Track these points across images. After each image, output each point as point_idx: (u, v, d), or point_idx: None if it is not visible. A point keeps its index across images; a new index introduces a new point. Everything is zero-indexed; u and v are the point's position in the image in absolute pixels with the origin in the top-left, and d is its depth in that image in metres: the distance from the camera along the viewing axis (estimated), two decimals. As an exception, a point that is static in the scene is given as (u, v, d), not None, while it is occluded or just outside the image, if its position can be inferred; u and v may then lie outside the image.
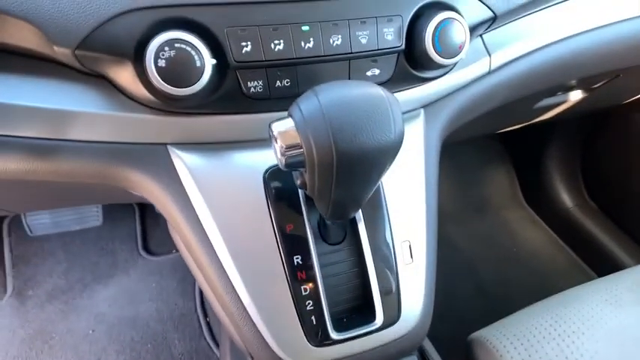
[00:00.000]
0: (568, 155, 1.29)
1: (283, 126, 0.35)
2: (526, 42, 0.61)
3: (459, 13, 0.48)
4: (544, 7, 0.60)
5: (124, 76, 0.42)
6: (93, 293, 1.16)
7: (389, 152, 0.34)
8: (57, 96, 0.44)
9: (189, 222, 0.46)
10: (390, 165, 0.36)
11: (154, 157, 0.47)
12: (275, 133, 0.35)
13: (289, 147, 0.35)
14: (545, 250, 1.30)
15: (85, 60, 0.41)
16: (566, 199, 1.29)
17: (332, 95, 0.34)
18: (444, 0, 0.47)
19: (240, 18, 0.41)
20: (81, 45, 0.39)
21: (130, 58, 0.40)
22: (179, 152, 0.47)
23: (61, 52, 0.40)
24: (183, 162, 0.46)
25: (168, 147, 0.47)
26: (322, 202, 0.39)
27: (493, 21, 0.53)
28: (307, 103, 0.34)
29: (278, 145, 0.35)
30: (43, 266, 1.17)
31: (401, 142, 0.34)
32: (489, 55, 0.58)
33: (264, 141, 0.47)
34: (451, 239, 1.26)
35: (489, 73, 0.59)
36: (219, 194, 0.46)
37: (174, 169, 0.46)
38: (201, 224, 0.46)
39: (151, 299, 1.15)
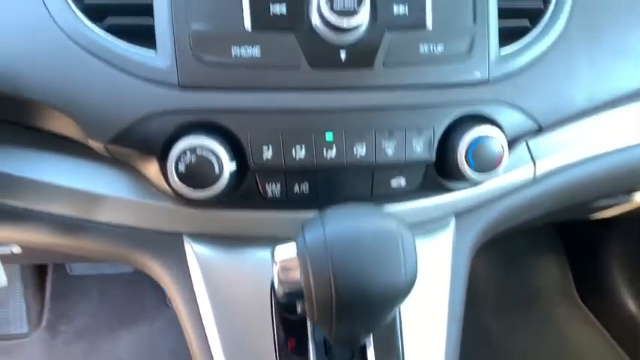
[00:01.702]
0: (633, 253, 1.16)
1: (285, 252, 0.33)
2: (577, 150, 0.56)
3: (499, 126, 0.45)
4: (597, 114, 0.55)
5: (150, 170, 0.43)
6: (117, 338, 1.17)
7: (397, 295, 0.31)
8: (87, 178, 0.46)
9: (191, 317, 0.45)
10: (400, 304, 0.33)
11: (168, 246, 0.47)
12: (276, 259, 0.33)
13: (288, 278, 0.33)
14: (600, 357, 1.15)
15: (115, 153, 0.43)
16: (630, 303, 1.14)
17: (339, 226, 0.32)
18: (483, 112, 0.45)
19: (264, 123, 0.41)
20: (113, 140, 0.41)
21: (157, 156, 0.41)
22: (193, 244, 0.46)
23: (94, 145, 0.42)
24: (195, 254, 0.46)
25: (184, 237, 0.47)
26: (324, 330, 0.36)
27: (539, 131, 0.49)
28: (312, 232, 0.32)
29: (276, 272, 0.33)
30: (77, 305, 1.21)
31: (412, 284, 0.31)
32: (534, 162, 0.54)
33: (278, 239, 0.46)
34: (489, 334, 1.15)
35: (534, 181, 0.55)
36: (225, 294, 0.45)
37: (186, 260, 0.46)
38: (201, 321, 0.45)
39: (170, 353, 1.14)
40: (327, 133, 0.42)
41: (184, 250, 0.46)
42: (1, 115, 0.43)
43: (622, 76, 0.51)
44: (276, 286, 0.34)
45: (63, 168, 0.46)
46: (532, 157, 0.54)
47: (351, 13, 0.39)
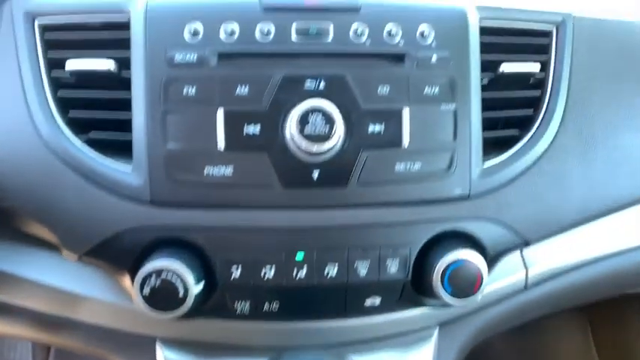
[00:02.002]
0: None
1: None
2: (573, 254, 0.53)
3: (480, 244, 0.44)
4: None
5: (124, 280, 0.43)
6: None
7: None
8: (66, 276, 0.47)
9: None
10: None
11: (139, 349, 0.47)
12: None
13: None
14: None
15: (90, 263, 0.43)
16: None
17: None
18: (463, 229, 0.44)
19: (234, 242, 0.41)
20: (86, 253, 0.42)
21: (128, 271, 0.42)
22: (164, 349, 0.46)
23: (68, 255, 0.43)
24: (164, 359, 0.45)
25: (157, 341, 0.47)
26: None
27: (526, 245, 0.47)
28: None
29: None
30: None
31: None
32: (526, 269, 0.52)
33: (248, 349, 0.45)
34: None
35: (526, 288, 0.52)
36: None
37: None
38: None
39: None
40: (298, 253, 0.41)
41: (155, 355, 0.46)
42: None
43: (618, 186, 0.48)
44: None
45: (43, 265, 0.47)
46: (525, 264, 0.51)
47: (322, 138, 0.39)
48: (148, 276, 0.38)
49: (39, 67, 0.43)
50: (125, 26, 0.43)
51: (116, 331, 0.47)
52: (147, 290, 0.38)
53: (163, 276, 0.38)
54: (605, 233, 0.53)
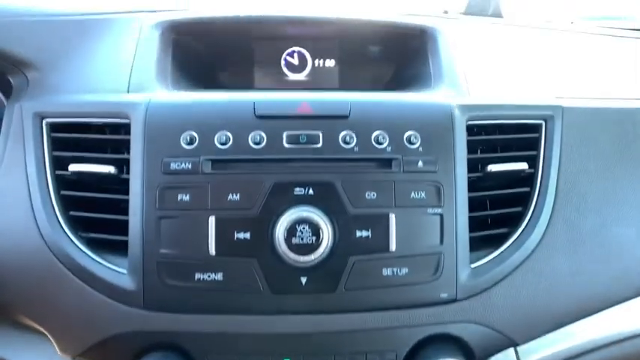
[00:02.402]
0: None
1: None
2: (571, 345, 0.52)
3: (468, 347, 0.44)
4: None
5: None
6: None
7: None
8: None
9: None
10: None
11: None
12: None
13: None
14: None
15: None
16: None
17: None
18: (449, 332, 0.44)
19: (222, 346, 0.42)
20: (80, 355, 0.43)
21: None
22: None
23: (64, 356, 0.44)
24: None
25: None
26: None
27: (516, 345, 0.47)
28: None
29: None
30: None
31: None
32: (519, 362, 0.51)
33: None
34: None
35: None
36: None
37: None
38: None
39: None
40: (284, 359, 0.42)
41: None
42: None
43: (607, 284, 0.48)
44: None
45: (38, 355, 0.48)
46: (517, 357, 0.51)
47: (309, 249, 0.40)
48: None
49: (44, 165, 0.46)
50: (126, 130, 0.45)
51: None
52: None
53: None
54: (600, 324, 0.52)
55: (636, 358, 0.54)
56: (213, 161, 0.43)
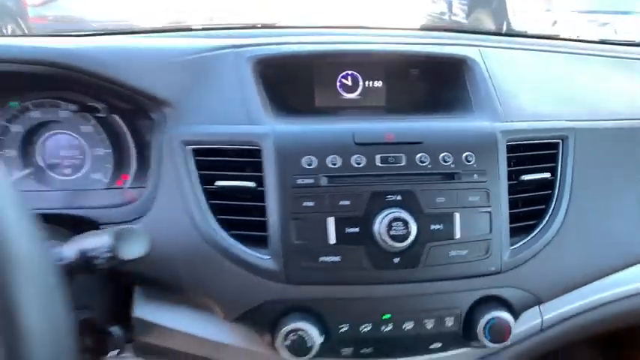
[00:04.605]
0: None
1: None
2: (583, 301, 0.70)
3: (509, 304, 0.62)
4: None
5: (262, 335, 0.62)
6: None
7: None
8: (214, 330, 0.65)
9: None
10: None
11: None
12: None
13: None
14: None
15: (238, 324, 0.62)
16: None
17: None
18: (497, 294, 0.62)
19: (342, 308, 0.60)
20: (237, 319, 0.60)
21: (268, 329, 0.60)
22: None
23: (224, 318, 0.61)
24: None
25: None
26: None
27: (542, 303, 0.65)
28: None
29: None
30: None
31: None
32: (542, 318, 0.69)
33: None
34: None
35: (542, 331, 0.70)
36: None
37: None
38: None
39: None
40: (385, 315, 0.59)
41: None
42: (162, 289, 0.64)
43: (610, 259, 0.67)
44: None
45: (196, 321, 0.65)
46: (541, 314, 0.69)
47: (402, 238, 0.57)
48: (288, 333, 0.57)
49: (192, 182, 0.62)
50: (257, 154, 0.61)
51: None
52: (288, 342, 0.57)
53: (298, 333, 0.56)
54: (606, 285, 0.70)
55: (635, 312, 0.73)
56: (329, 177, 0.59)
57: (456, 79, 0.77)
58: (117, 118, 0.78)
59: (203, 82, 0.71)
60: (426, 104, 0.84)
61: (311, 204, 0.59)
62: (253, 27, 1.10)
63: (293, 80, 0.79)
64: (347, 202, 0.59)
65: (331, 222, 0.59)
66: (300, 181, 0.60)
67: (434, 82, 0.83)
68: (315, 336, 0.57)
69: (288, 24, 1.12)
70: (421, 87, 0.86)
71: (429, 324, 0.60)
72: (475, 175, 0.61)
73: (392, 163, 0.61)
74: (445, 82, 0.80)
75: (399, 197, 0.60)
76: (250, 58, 0.73)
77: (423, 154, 0.61)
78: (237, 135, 0.63)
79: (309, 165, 0.60)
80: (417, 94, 0.87)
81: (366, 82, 0.85)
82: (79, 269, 0.46)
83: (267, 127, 0.63)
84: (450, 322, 0.61)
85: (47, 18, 5.77)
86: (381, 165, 0.60)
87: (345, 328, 0.59)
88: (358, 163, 0.60)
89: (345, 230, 0.59)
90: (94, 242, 0.46)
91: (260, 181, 0.61)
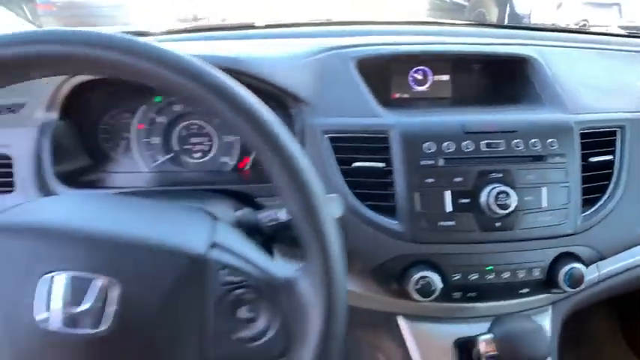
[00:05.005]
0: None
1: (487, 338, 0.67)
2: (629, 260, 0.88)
3: (582, 260, 0.78)
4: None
5: (390, 282, 0.78)
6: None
7: None
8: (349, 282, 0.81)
9: None
10: None
11: (386, 322, 0.81)
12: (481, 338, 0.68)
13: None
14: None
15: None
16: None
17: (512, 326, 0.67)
18: (573, 251, 0.78)
19: (456, 261, 0.76)
20: (371, 271, 0.76)
21: (395, 279, 0.76)
22: (405, 320, 0.81)
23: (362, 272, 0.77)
24: (409, 329, 0.80)
25: (399, 317, 0.81)
26: None
27: (604, 258, 0.82)
28: (499, 329, 0.67)
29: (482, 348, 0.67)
30: None
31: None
32: (599, 271, 0.86)
33: (462, 319, 0.80)
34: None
35: (598, 282, 0.87)
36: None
37: (401, 334, 0.80)
38: None
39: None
40: (488, 267, 0.76)
41: (396, 324, 0.81)
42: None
43: None
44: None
45: None
46: (598, 268, 0.86)
47: (504, 207, 0.73)
48: (419, 279, 0.73)
49: (332, 164, 0.77)
50: (385, 141, 0.77)
51: (370, 311, 0.81)
52: (418, 286, 0.73)
53: (426, 279, 0.73)
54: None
55: None
56: (445, 159, 0.75)
57: (518, 75, 0.92)
58: None
59: (323, 80, 0.85)
60: (488, 97, 0.99)
61: (431, 180, 0.75)
62: (321, 24, 1.24)
63: (375, 75, 0.91)
64: (460, 179, 0.75)
65: (448, 195, 0.75)
66: (422, 163, 0.75)
67: (495, 76, 0.99)
68: (437, 282, 0.74)
69: (357, 19, 1.25)
70: (483, 81, 1.02)
71: (521, 274, 0.77)
72: (557, 158, 0.77)
73: (494, 147, 0.76)
74: (507, 77, 0.96)
75: (500, 175, 0.75)
76: (354, 58, 0.87)
77: (518, 140, 0.77)
78: (368, 126, 0.78)
79: (429, 150, 0.75)
80: (480, 87, 1.02)
81: (435, 77, 1.00)
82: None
83: (392, 119, 0.78)
84: (537, 272, 0.77)
85: (54, 5, 5.76)
86: (485, 149, 0.76)
87: (457, 277, 0.76)
88: (468, 148, 0.76)
89: (458, 201, 0.75)
90: None
91: (387, 162, 0.77)
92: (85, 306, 0.42)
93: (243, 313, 0.46)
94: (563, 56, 0.95)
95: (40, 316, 0.42)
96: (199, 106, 0.43)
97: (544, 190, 0.76)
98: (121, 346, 0.44)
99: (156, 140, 0.93)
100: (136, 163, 0.94)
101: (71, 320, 0.42)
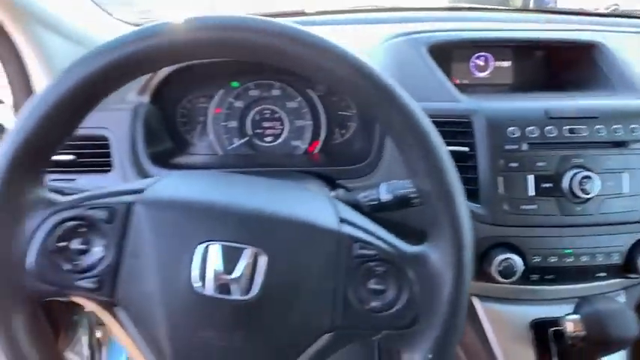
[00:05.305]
0: None
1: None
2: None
3: None
4: None
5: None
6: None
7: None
8: None
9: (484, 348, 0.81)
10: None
11: None
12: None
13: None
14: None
15: None
16: None
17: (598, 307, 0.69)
18: None
19: (536, 242, 0.77)
20: None
21: (477, 260, 0.78)
22: (481, 301, 0.83)
23: None
24: (483, 308, 0.82)
25: (473, 298, 0.83)
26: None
27: None
28: (584, 309, 0.69)
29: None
30: None
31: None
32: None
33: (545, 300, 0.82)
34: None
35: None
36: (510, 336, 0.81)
37: (477, 315, 0.82)
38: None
39: None
40: (567, 250, 0.77)
41: (474, 306, 0.83)
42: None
43: None
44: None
45: None
46: None
47: (587, 192, 0.74)
48: (502, 261, 0.75)
49: None
50: (468, 125, 0.78)
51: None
52: (500, 268, 0.75)
53: (507, 261, 0.74)
54: None
55: None
56: (529, 144, 0.76)
57: (584, 61, 0.92)
58: (315, 97, 0.94)
59: (399, 66, 0.86)
60: (549, 82, 0.99)
61: (515, 164, 0.76)
62: (377, 9, 1.25)
63: (437, 61, 0.92)
64: (543, 164, 0.76)
65: (531, 179, 0.76)
66: (507, 147, 0.76)
67: (557, 62, 0.99)
68: (518, 264, 0.75)
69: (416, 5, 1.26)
70: (545, 67, 1.02)
71: (600, 258, 0.78)
72: (639, 144, 0.78)
73: (577, 133, 0.77)
74: (570, 63, 0.96)
75: (582, 160, 0.76)
76: (426, 44, 0.89)
77: (601, 126, 0.77)
78: (451, 110, 0.80)
79: (514, 134, 0.77)
80: (541, 73, 1.03)
81: (497, 63, 1.01)
82: (393, 206, 0.63)
83: (473, 104, 0.79)
84: (615, 257, 0.79)
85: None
86: (568, 135, 0.77)
87: (537, 259, 0.78)
88: (551, 133, 0.77)
89: (540, 185, 0.76)
90: (401, 185, 0.64)
91: (470, 146, 0.78)
92: (236, 274, 0.45)
93: (373, 284, 0.49)
94: (628, 41, 0.95)
95: (195, 281, 0.45)
96: (348, 89, 0.46)
97: (625, 175, 0.77)
98: (264, 313, 0.47)
99: (233, 124, 0.96)
100: (210, 146, 0.97)
101: (224, 287, 0.45)
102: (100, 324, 1.42)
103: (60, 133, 0.46)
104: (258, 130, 0.98)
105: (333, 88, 0.47)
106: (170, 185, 0.51)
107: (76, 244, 0.47)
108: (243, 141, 0.95)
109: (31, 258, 0.46)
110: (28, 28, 0.76)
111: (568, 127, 0.78)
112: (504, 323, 0.82)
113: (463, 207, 0.48)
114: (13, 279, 0.46)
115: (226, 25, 0.42)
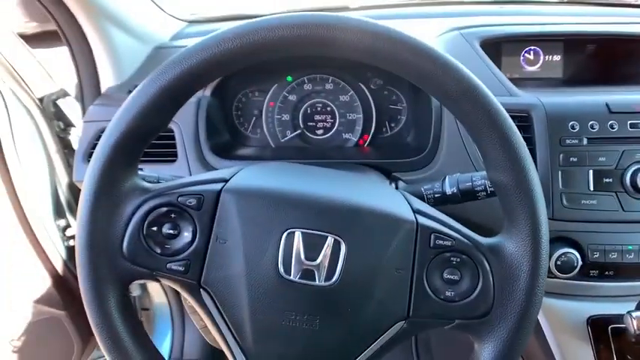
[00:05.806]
0: None
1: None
2: None
3: None
4: None
5: None
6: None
7: None
8: None
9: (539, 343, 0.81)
10: None
11: None
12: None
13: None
14: None
15: None
16: None
17: None
18: None
19: (596, 238, 0.77)
20: None
21: None
22: None
23: None
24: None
25: None
26: None
27: None
28: None
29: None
30: None
31: None
32: None
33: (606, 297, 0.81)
34: None
35: None
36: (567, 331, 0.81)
37: None
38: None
39: None
40: (629, 247, 0.76)
41: None
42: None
43: None
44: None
45: None
46: None
47: None
48: (560, 255, 0.75)
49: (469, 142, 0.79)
50: (527, 120, 0.78)
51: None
52: (559, 262, 0.75)
53: (568, 255, 0.74)
54: None
55: None
56: (589, 139, 0.75)
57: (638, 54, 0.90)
58: (367, 91, 0.95)
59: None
60: (601, 76, 0.97)
61: (575, 159, 0.76)
62: (424, 4, 1.24)
63: (489, 54, 0.91)
64: (603, 159, 0.76)
65: (591, 173, 0.75)
66: (567, 141, 0.76)
67: (610, 56, 0.97)
68: (577, 259, 0.75)
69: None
70: (597, 61, 1.00)
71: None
72: None
73: (639, 128, 0.76)
74: (623, 57, 0.94)
75: (638, 155, 0.75)
76: (479, 38, 0.88)
77: None
78: (509, 105, 0.78)
79: (574, 129, 0.76)
80: (593, 67, 1.01)
81: (547, 57, 0.99)
82: (458, 199, 0.64)
83: (532, 98, 0.79)
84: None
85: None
86: (630, 129, 0.76)
87: (596, 255, 0.77)
88: (612, 128, 0.76)
89: (601, 180, 0.75)
90: (465, 178, 0.64)
91: (529, 140, 0.78)
92: (319, 261, 0.47)
93: (448, 275, 0.50)
94: None
95: (281, 267, 0.48)
96: (429, 83, 0.47)
97: None
98: (344, 299, 0.49)
99: (286, 117, 0.98)
100: (264, 139, 0.99)
101: (308, 273, 0.47)
102: (144, 309, 1.47)
103: (158, 122, 0.49)
104: (310, 123, 1.00)
105: (415, 82, 0.48)
106: (253, 175, 0.53)
107: (166, 229, 0.50)
108: (295, 133, 0.97)
109: (126, 242, 0.49)
110: (100, 25, 0.80)
111: (630, 121, 0.76)
112: (560, 318, 0.82)
113: (541, 199, 0.48)
114: (112, 262, 0.49)
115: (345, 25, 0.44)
